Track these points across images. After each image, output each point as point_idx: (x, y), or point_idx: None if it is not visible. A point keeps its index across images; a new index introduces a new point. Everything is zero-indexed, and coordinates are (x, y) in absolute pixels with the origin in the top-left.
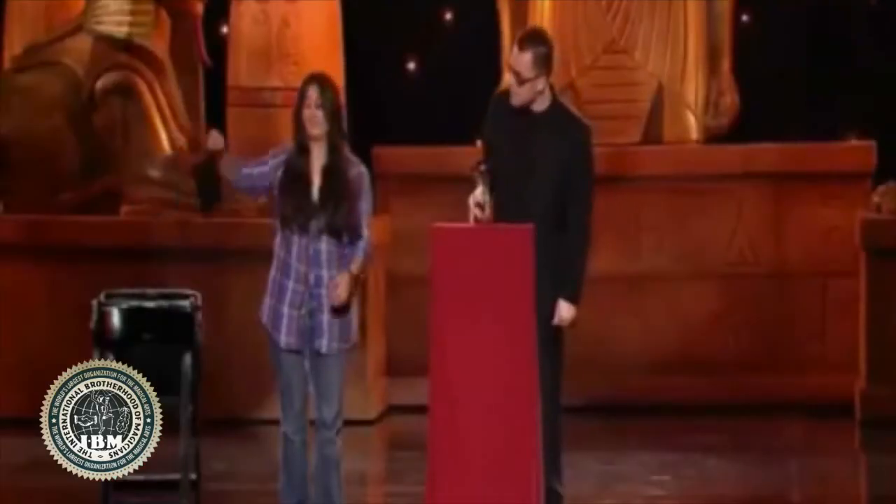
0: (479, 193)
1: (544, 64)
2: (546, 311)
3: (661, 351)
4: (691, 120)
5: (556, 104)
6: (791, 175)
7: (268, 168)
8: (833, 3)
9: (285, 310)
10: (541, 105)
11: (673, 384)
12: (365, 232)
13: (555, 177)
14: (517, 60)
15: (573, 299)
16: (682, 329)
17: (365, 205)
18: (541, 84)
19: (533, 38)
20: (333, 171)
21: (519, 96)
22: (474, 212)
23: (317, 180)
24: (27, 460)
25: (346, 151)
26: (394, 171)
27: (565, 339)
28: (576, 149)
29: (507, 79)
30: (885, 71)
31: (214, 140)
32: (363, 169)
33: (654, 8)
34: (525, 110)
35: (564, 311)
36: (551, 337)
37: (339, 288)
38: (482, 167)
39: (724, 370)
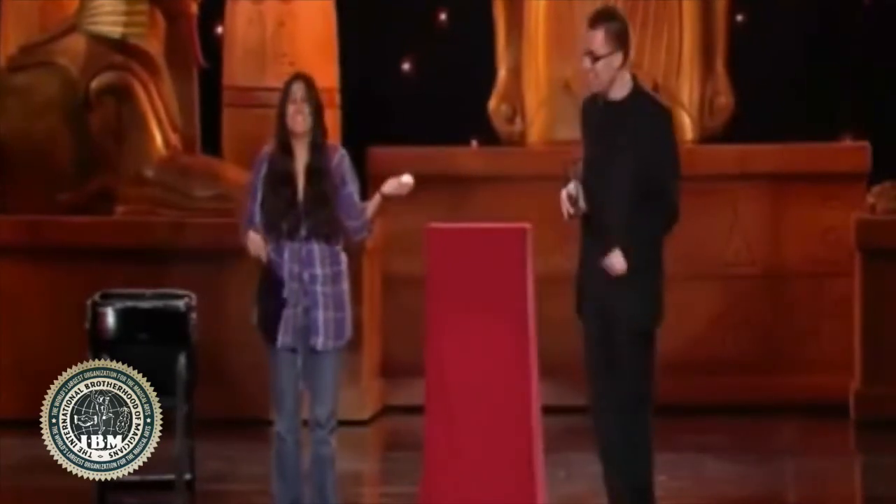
0: (572, 187)
1: (618, 39)
2: (620, 314)
3: (659, 351)
4: (687, 120)
5: (636, 92)
6: (787, 176)
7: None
8: (829, 3)
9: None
10: (620, 93)
11: (669, 384)
12: (364, 214)
13: (632, 165)
14: (589, 39)
15: (624, 251)
16: (679, 329)
17: (352, 187)
18: (616, 60)
19: (603, 15)
20: (317, 172)
21: (595, 79)
22: (565, 206)
23: (301, 182)
24: (27, 460)
25: (326, 144)
26: (389, 171)
27: (651, 343)
28: (653, 138)
29: (585, 65)
30: (881, 71)
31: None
32: (342, 151)
33: (649, 8)
34: (606, 100)
35: (615, 258)
36: (627, 341)
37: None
38: (577, 161)
39: (721, 370)
